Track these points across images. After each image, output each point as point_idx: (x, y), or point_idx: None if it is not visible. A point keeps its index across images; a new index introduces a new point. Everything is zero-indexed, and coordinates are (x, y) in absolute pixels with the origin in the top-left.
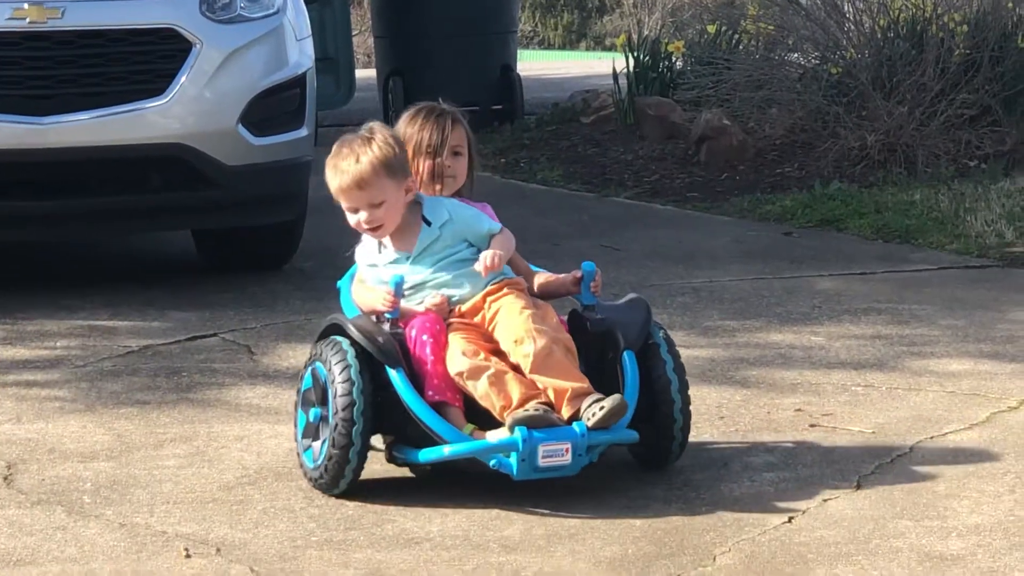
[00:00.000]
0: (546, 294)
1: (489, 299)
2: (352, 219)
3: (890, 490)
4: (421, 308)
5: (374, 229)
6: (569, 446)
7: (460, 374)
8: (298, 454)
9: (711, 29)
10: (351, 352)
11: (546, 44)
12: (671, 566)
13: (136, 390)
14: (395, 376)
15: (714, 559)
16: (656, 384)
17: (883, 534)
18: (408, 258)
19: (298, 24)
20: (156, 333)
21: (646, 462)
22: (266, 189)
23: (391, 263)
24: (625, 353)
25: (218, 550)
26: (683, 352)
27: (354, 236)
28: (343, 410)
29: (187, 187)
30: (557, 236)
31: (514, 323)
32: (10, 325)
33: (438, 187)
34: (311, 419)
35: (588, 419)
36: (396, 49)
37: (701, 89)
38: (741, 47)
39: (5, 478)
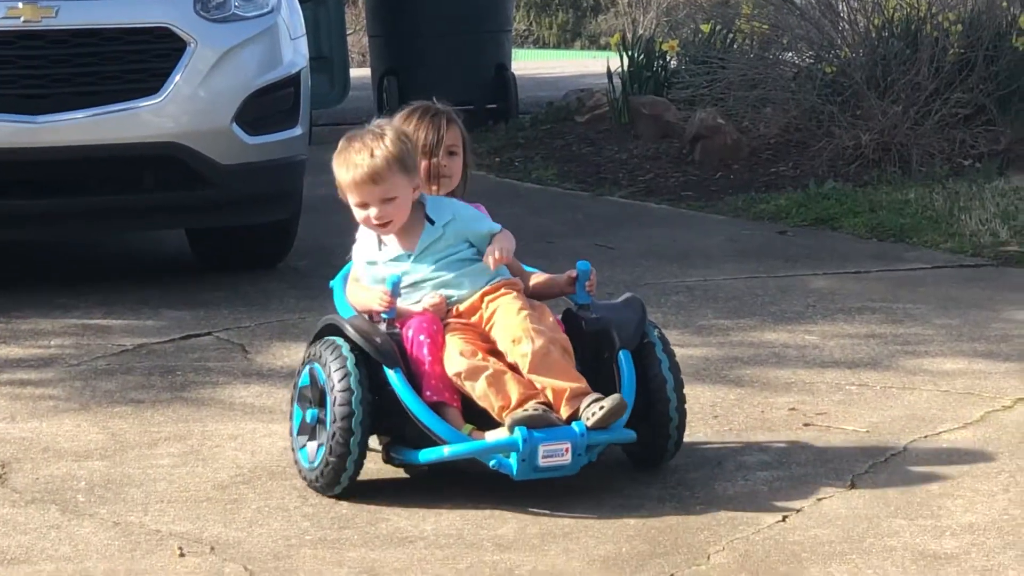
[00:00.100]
0: (541, 294)
1: (486, 299)
2: (360, 215)
3: (884, 489)
4: (418, 308)
5: (383, 225)
6: (569, 446)
7: (458, 374)
8: (292, 449)
9: (705, 28)
10: (350, 359)
11: (541, 43)
12: (665, 565)
13: (130, 389)
14: (393, 377)
15: (708, 558)
16: (652, 383)
17: (877, 533)
18: (410, 256)
19: (292, 23)
20: (150, 332)
21: (641, 461)
22: (260, 188)
23: (392, 260)
24: (621, 352)
25: (212, 549)
26: (677, 351)
27: (350, 237)
28: (342, 419)
29: (181, 186)
30: (551, 235)
31: (512, 323)
32: (4, 324)
33: (434, 187)
34: (308, 419)
35: (587, 419)
36: (391, 48)
37: (695, 88)
38: (735, 46)
39: None
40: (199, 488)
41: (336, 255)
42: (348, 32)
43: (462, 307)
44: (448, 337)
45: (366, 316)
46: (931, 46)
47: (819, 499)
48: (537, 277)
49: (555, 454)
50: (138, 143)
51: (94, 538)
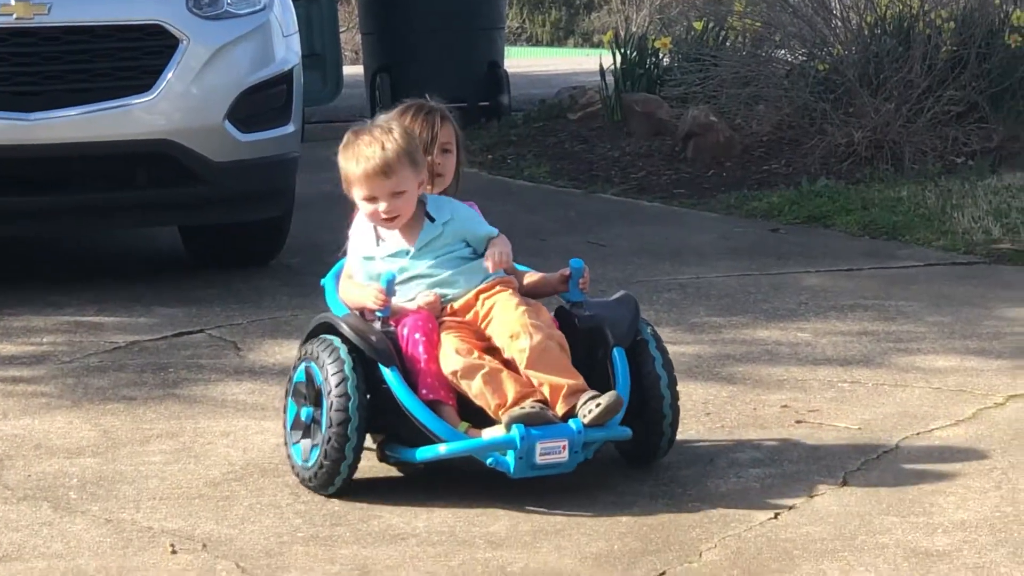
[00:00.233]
0: (535, 293)
1: (482, 296)
2: (367, 208)
3: (876, 486)
4: (412, 305)
5: (391, 219)
6: (566, 443)
7: (454, 373)
8: (285, 444)
9: (698, 26)
10: (348, 362)
11: (534, 40)
12: (657, 562)
13: (122, 386)
14: (390, 375)
15: (700, 555)
16: (645, 380)
17: (869, 530)
18: (408, 253)
19: (285, 20)
20: (143, 329)
21: (634, 458)
22: (253, 185)
23: (390, 256)
24: (615, 350)
25: (204, 546)
26: (669, 349)
27: (342, 234)
28: (338, 425)
29: (174, 183)
30: (544, 232)
31: (509, 318)
32: None
33: (428, 185)
34: (303, 417)
35: (584, 416)
36: (383, 45)
37: (688, 86)
38: (728, 44)
39: None
40: (191, 485)
41: (328, 252)
42: (341, 29)
43: (456, 305)
44: (443, 335)
45: (357, 313)
46: (924, 43)
47: (811, 496)
48: (530, 276)
49: (552, 452)
50: (131, 140)
51: (86, 535)
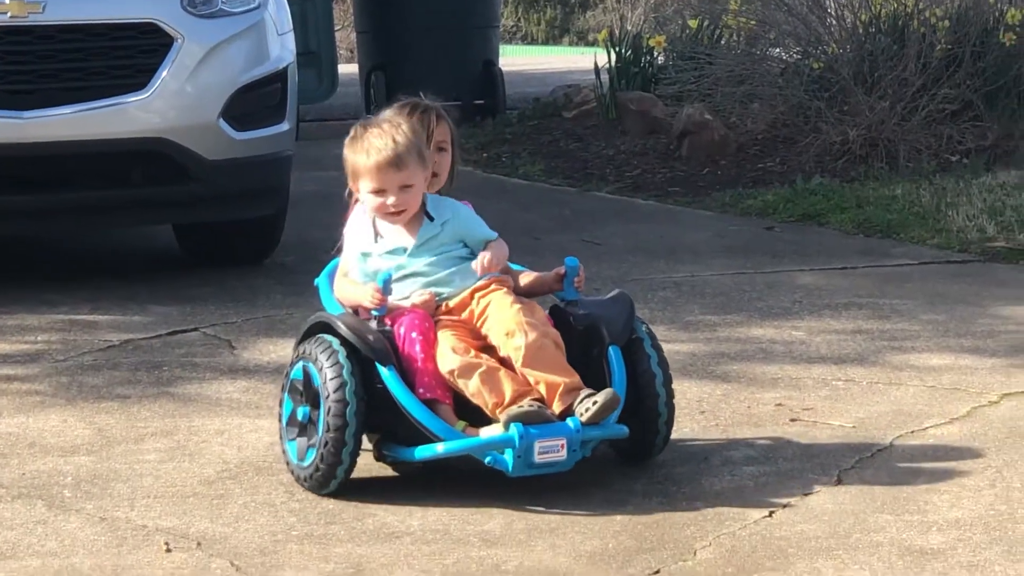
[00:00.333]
0: (530, 292)
1: (477, 295)
2: (374, 201)
3: (870, 484)
4: (407, 303)
5: (397, 213)
6: (564, 442)
7: (451, 372)
8: (280, 439)
9: (693, 24)
10: (347, 366)
11: (529, 39)
12: (651, 560)
13: (117, 384)
14: (387, 375)
15: (694, 553)
16: (641, 378)
17: (863, 528)
18: (406, 251)
19: (279, 19)
20: (137, 328)
21: (629, 456)
22: (247, 183)
23: (388, 253)
24: (611, 348)
25: (199, 544)
26: (664, 347)
27: (336, 232)
28: (335, 431)
29: (168, 181)
30: (538, 231)
31: (505, 316)
32: None
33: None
34: (299, 416)
35: (582, 414)
36: (378, 44)
37: (683, 84)
38: (723, 42)
39: None
40: (185, 483)
41: (323, 250)
42: (336, 28)
43: (452, 303)
44: (440, 334)
45: (351, 311)
46: (918, 42)
47: (805, 494)
48: (525, 275)
49: (551, 450)
50: (125, 139)
51: (80, 533)
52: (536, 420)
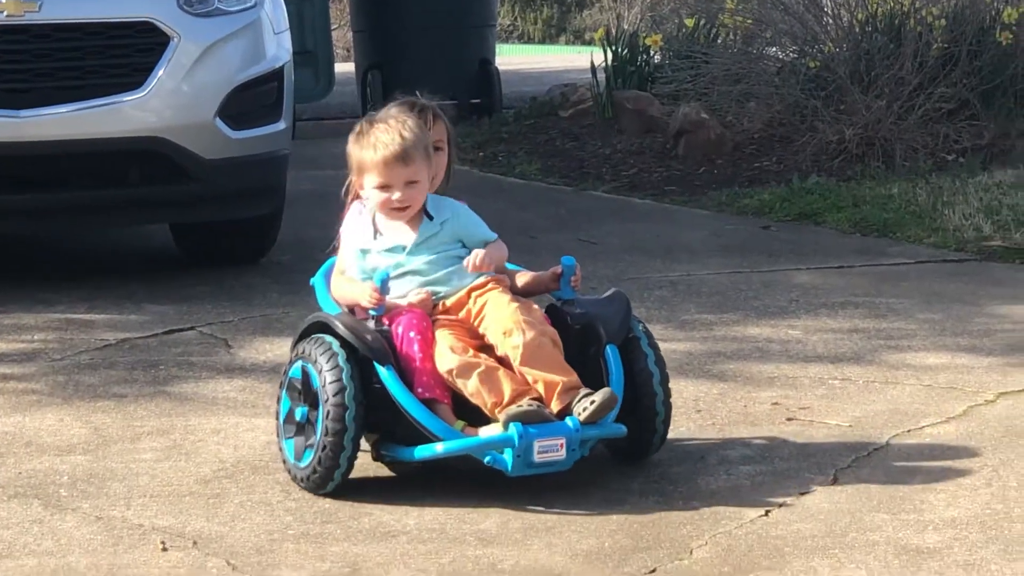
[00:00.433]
0: (527, 292)
1: (474, 294)
2: (379, 197)
3: (867, 483)
4: (403, 302)
5: (402, 209)
6: (564, 441)
7: (450, 371)
8: (277, 435)
9: (689, 23)
10: (346, 370)
11: (525, 38)
12: (647, 559)
13: (113, 383)
14: (386, 374)
15: (691, 552)
16: (638, 377)
17: (860, 527)
18: (405, 249)
19: (276, 18)
20: (133, 326)
21: (626, 455)
22: (244, 182)
23: (386, 251)
24: (608, 347)
25: (195, 543)
26: (660, 346)
27: (333, 231)
28: (334, 435)
29: (165, 181)
30: (535, 230)
31: (502, 315)
32: None
33: None
34: (297, 416)
35: (580, 413)
36: (375, 43)
37: (679, 83)
38: (719, 41)
39: None
40: (182, 482)
41: (319, 249)
42: (332, 27)
43: (449, 303)
44: (438, 333)
45: (346, 309)
46: (915, 41)
47: (802, 493)
48: (522, 275)
49: (550, 450)
50: (121, 138)
51: (77, 532)
52: (535, 420)
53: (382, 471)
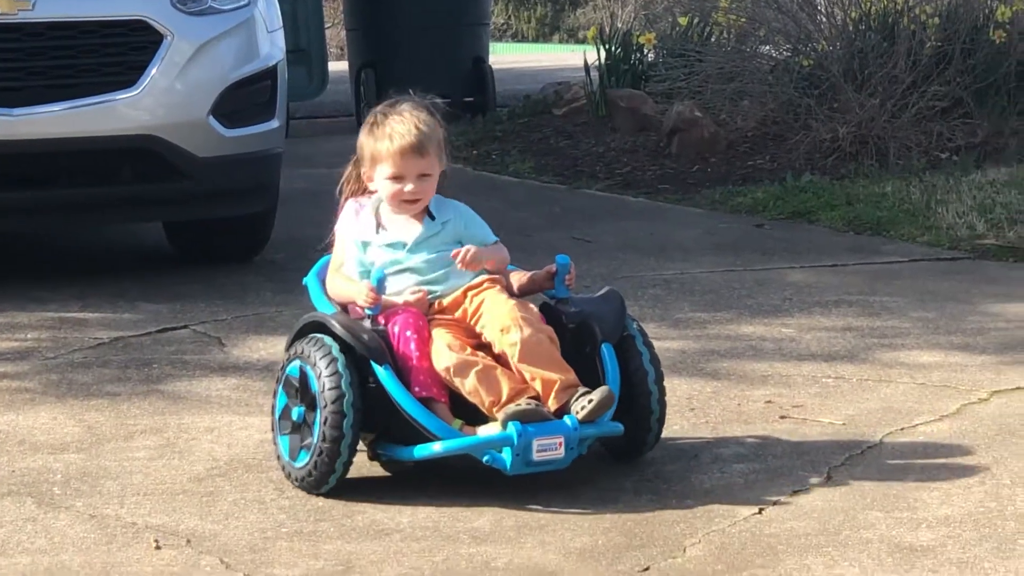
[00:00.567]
0: (522, 291)
1: (470, 293)
2: (391, 188)
3: (860, 481)
4: (399, 299)
5: (413, 202)
6: (562, 440)
7: (447, 370)
8: (272, 430)
9: (683, 21)
10: (345, 376)
11: (519, 37)
12: (641, 557)
13: (106, 382)
14: (383, 374)
15: (684, 550)
16: (633, 376)
17: (853, 525)
18: (405, 246)
19: (269, 16)
20: (127, 325)
21: (620, 453)
22: (237, 181)
23: (387, 246)
24: (604, 346)
25: (188, 541)
26: (654, 344)
27: (327, 229)
28: (331, 441)
29: (158, 179)
30: (529, 228)
31: (500, 312)
32: None
33: None
34: (293, 416)
35: (578, 412)
36: (368, 41)
37: (673, 81)
38: (713, 39)
39: None
40: (175, 481)
41: (312, 248)
42: (326, 25)
43: (445, 302)
44: (434, 332)
45: (339, 307)
46: (908, 39)
47: (795, 491)
48: (516, 274)
49: (549, 448)
50: (115, 136)
51: (70, 531)
52: (534, 418)
53: (376, 470)
